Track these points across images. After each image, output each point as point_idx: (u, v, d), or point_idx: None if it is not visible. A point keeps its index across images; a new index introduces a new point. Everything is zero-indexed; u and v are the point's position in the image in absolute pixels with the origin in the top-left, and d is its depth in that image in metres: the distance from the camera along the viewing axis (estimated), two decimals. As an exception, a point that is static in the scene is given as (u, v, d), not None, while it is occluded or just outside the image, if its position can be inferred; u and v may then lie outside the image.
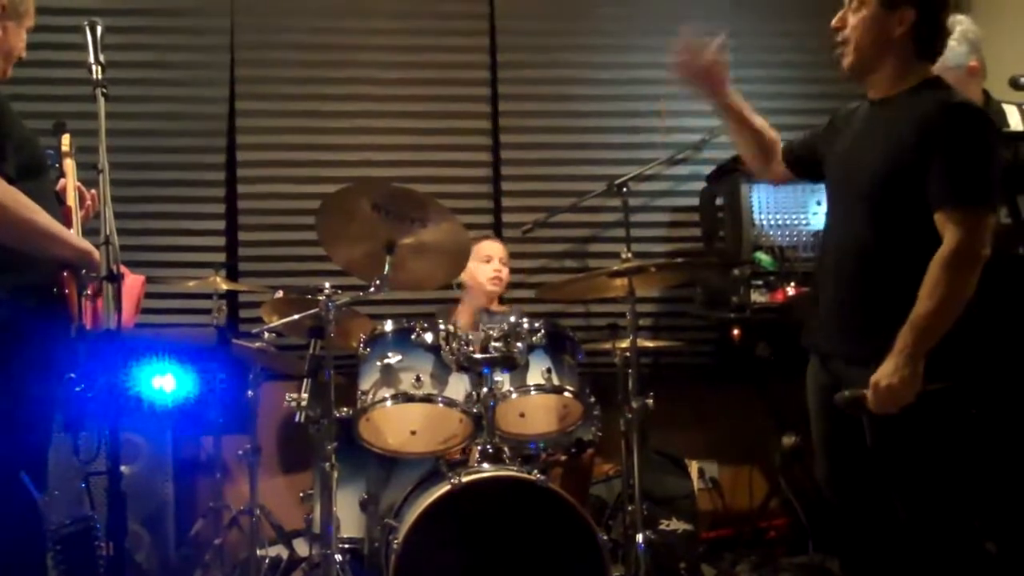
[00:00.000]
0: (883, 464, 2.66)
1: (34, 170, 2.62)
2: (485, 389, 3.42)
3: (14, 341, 2.48)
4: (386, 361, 3.45)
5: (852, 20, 2.70)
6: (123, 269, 2.42)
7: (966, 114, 2.57)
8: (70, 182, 2.80)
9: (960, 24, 3.39)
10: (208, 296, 4.18)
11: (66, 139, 2.84)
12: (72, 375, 2.43)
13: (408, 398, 3.42)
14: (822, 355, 2.83)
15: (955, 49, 3.35)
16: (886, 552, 2.78)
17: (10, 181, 2.47)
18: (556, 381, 3.53)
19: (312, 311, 3.40)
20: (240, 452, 3.94)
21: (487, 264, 4.28)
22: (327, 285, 3.38)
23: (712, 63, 2.98)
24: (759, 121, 3.13)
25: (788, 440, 4.49)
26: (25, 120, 2.68)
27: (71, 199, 2.76)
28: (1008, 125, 3.45)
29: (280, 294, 3.86)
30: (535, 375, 3.53)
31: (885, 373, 2.50)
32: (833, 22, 2.75)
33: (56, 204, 2.71)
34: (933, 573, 2.64)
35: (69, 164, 2.83)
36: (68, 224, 2.68)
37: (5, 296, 2.48)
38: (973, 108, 2.62)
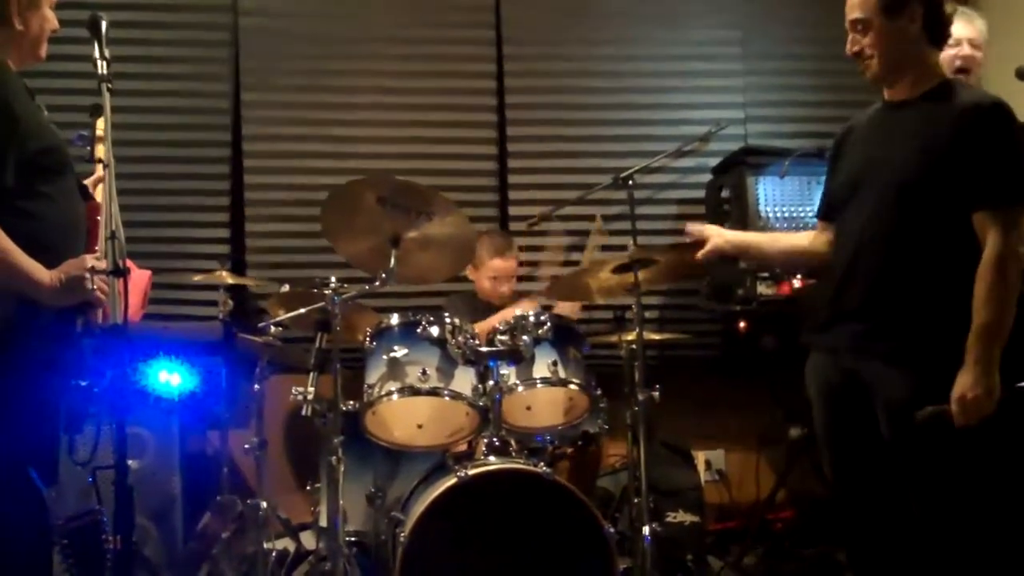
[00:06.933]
0: (909, 461, 2.65)
1: (54, 170, 2.59)
2: (491, 382, 3.42)
3: (21, 336, 2.47)
4: (392, 355, 3.45)
5: (867, 40, 2.72)
6: (129, 263, 2.41)
7: (1001, 114, 2.60)
8: (98, 172, 2.76)
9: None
10: (214, 290, 4.19)
11: (100, 124, 2.77)
12: (80, 380, 2.43)
13: (414, 391, 3.42)
14: (835, 351, 2.81)
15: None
16: (892, 544, 2.78)
17: (8, 191, 2.46)
18: (562, 374, 3.53)
19: (318, 305, 3.40)
20: (247, 446, 3.94)
21: (494, 282, 4.31)
22: (333, 279, 3.38)
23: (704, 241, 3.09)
24: (784, 244, 3.26)
25: (795, 432, 4.49)
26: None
27: (99, 193, 2.71)
28: None
29: (286, 288, 3.86)
30: (541, 368, 3.53)
31: (968, 386, 2.50)
32: (849, 51, 2.77)
33: (79, 201, 2.67)
34: (942, 565, 2.64)
35: (101, 151, 2.75)
36: (93, 220, 2.65)
37: (12, 292, 2.48)
38: (1005, 108, 2.63)
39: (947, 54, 3.36)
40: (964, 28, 3.38)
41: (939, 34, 2.71)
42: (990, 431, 2.54)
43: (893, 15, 2.66)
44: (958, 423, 2.51)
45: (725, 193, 4.70)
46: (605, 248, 4.78)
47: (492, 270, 4.32)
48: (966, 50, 3.35)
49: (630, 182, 4.51)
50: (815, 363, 2.92)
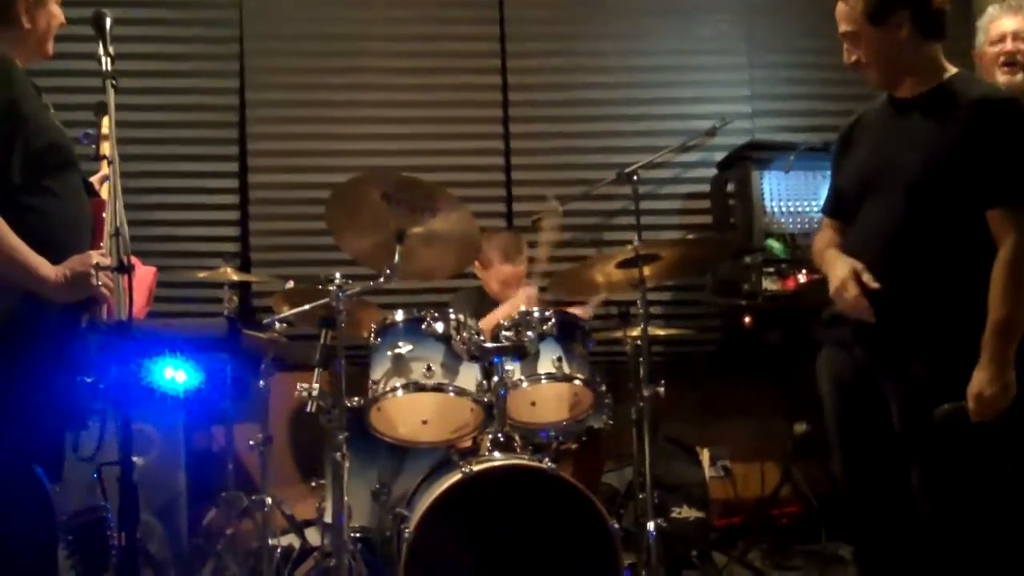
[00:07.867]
0: (922, 457, 2.64)
1: (60, 167, 2.59)
2: (496, 378, 3.42)
3: (26, 332, 2.47)
4: (397, 351, 3.44)
5: (860, 51, 2.71)
6: (134, 260, 2.41)
7: (1013, 109, 2.57)
8: (104, 170, 2.76)
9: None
10: (219, 286, 4.19)
11: (106, 122, 2.77)
12: (86, 377, 2.43)
13: (419, 387, 3.42)
14: (847, 346, 2.80)
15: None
16: (901, 540, 2.77)
17: (14, 187, 2.46)
18: (567, 370, 3.52)
19: (323, 301, 3.40)
20: (252, 442, 3.94)
21: (503, 285, 4.28)
22: (338, 275, 3.38)
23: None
24: None
25: (799, 428, 4.49)
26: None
27: (105, 190, 2.71)
28: None
29: (291, 284, 3.86)
30: (546, 364, 3.52)
31: (985, 383, 2.50)
32: (846, 61, 2.77)
33: (85, 198, 2.67)
34: (951, 562, 2.63)
35: (106, 148, 2.75)
36: (98, 217, 2.65)
37: (17, 288, 2.48)
38: (1017, 102, 2.61)
39: (991, 51, 3.37)
40: (1010, 22, 3.38)
41: (935, 28, 2.67)
42: (1006, 429, 2.54)
43: (879, 24, 2.64)
44: (975, 419, 2.51)
45: (730, 188, 4.70)
46: (610, 243, 4.78)
47: (502, 275, 4.29)
48: (1008, 45, 3.35)
49: (634, 177, 4.51)
50: (827, 358, 2.90)
